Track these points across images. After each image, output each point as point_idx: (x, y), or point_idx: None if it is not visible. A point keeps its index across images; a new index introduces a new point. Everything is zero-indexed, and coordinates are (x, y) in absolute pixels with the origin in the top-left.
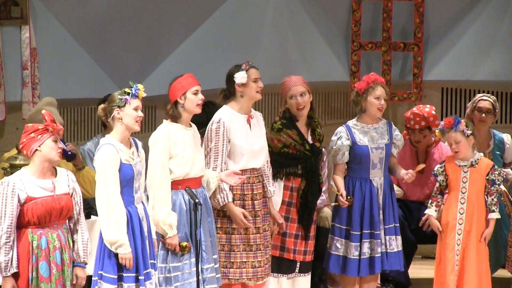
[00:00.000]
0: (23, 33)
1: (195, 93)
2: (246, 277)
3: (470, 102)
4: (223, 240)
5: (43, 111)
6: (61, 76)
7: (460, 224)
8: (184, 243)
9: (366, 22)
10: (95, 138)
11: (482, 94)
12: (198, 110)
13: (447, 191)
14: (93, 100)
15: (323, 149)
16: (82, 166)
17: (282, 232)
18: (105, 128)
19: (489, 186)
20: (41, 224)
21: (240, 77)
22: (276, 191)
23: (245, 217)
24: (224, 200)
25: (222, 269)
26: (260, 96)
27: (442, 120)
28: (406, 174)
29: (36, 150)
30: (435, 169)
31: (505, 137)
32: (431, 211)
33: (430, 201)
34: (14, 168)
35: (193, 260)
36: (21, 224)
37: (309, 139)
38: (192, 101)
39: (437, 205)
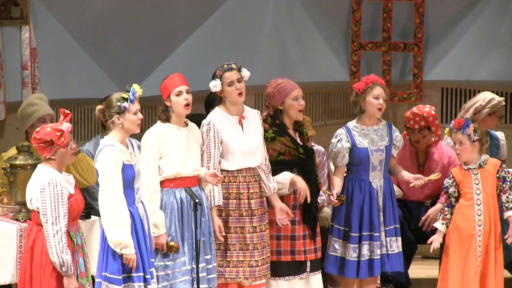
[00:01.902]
0: (23, 33)
1: (178, 94)
2: (243, 276)
3: (486, 102)
4: (219, 239)
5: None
6: (61, 76)
7: (479, 226)
8: (171, 243)
9: (366, 22)
10: (94, 139)
11: (498, 97)
12: (185, 111)
13: (456, 202)
14: (93, 100)
15: (323, 149)
16: (78, 150)
17: (291, 235)
18: (104, 129)
19: (501, 183)
20: (75, 221)
21: (213, 86)
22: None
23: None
24: (211, 202)
25: (219, 268)
26: (242, 99)
27: (441, 120)
28: (415, 178)
29: (50, 158)
30: (445, 182)
31: (499, 134)
32: (438, 225)
33: (440, 215)
34: (14, 168)
35: (183, 259)
36: None
37: (298, 141)
38: (176, 103)
39: (444, 218)
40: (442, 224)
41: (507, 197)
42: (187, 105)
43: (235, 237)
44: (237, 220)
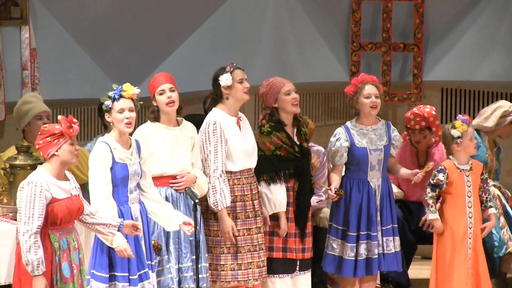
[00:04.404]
0: (23, 33)
1: (161, 93)
2: (252, 278)
3: (504, 112)
4: (228, 243)
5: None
6: (61, 76)
7: (470, 228)
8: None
9: (366, 23)
10: (95, 139)
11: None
12: (168, 109)
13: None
14: (92, 101)
15: (323, 150)
16: None
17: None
18: (106, 128)
19: (484, 185)
20: (61, 225)
21: (224, 79)
22: (280, 192)
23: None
24: (222, 204)
25: (231, 271)
26: (248, 97)
27: (441, 121)
28: (413, 174)
29: (54, 154)
30: (441, 179)
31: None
32: (436, 215)
33: (431, 207)
34: (13, 168)
35: (166, 257)
36: (43, 225)
37: (295, 140)
38: (160, 102)
39: (435, 210)
40: (436, 214)
41: (487, 196)
42: (169, 103)
43: (243, 240)
44: (244, 222)
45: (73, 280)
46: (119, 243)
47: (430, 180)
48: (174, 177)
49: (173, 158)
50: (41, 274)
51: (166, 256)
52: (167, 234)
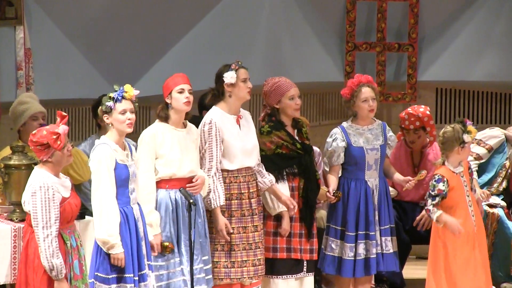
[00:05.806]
0: (17, 33)
1: (180, 92)
2: (247, 276)
3: None
4: (223, 241)
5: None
6: (56, 76)
7: (474, 226)
8: (166, 243)
9: (360, 23)
10: (89, 139)
11: None
12: (185, 108)
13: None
14: (87, 101)
15: (318, 150)
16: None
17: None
18: (100, 128)
19: (471, 177)
20: (69, 223)
21: (229, 77)
22: (283, 191)
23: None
24: (216, 202)
25: (224, 269)
26: (249, 97)
27: (436, 121)
28: (405, 181)
29: (47, 160)
30: (441, 188)
31: None
32: (438, 212)
33: (432, 213)
34: (8, 168)
35: (178, 259)
36: None
37: (297, 139)
38: (177, 100)
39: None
40: (437, 211)
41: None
42: (187, 102)
43: (238, 237)
44: (239, 220)
45: (82, 277)
46: (118, 252)
47: (430, 191)
48: (183, 179)
49: (182, 160)
50: (64, 277)
51: (178, 258)
52: (177, 235)
